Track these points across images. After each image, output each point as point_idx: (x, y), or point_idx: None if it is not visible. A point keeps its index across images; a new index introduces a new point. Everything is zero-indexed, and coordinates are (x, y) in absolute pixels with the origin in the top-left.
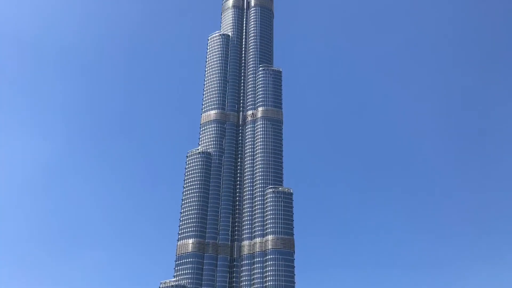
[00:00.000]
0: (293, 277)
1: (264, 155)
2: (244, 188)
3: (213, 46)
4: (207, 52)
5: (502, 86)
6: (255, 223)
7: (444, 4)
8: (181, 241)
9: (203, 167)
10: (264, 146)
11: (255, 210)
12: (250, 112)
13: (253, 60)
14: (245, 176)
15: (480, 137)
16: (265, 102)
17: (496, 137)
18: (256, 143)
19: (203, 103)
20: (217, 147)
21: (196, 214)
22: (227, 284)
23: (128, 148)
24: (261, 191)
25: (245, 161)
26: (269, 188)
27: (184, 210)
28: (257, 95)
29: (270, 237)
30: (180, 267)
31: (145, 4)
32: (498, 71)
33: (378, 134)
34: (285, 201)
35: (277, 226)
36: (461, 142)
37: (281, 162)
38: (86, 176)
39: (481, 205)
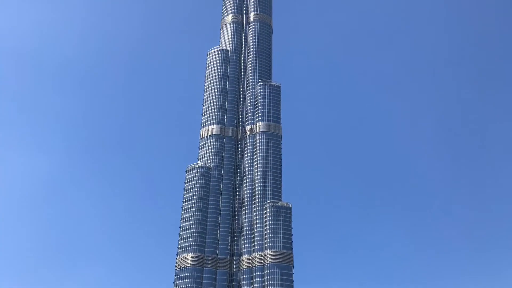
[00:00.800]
0: None
1: (263, 170)
2: (243, 202)
3: (212, 61)
4: (206, 67)
5: (499, 101)
6: (254, 237)
7: (441, 20)
8: (180, 255)
9: (202, 182)
10: (263, 160)
11: (254, 224)
12: (249, 127)
13: (252, 75)
14: (244, 190)
15: (478, 152)
16: (264, 117)
17: (494, 153)
18: (255, 157)
19: (203, 117)
20: (216, 161)
21: (196, 229)
22: None
23: (128, 162)
24: (260, 205)
25: (244, 176)
26: (268, 202)
27: (184, 224)
28: (256, 110)
29: (269, 251)
30: (180, 281)
31: (145, 19)
32: (495, 86)
33: (376, 149)
34: (284, 215)
35: (276, 240)
36: (459, 157)
37: (280, 177)
38: (86, 190)
39: (479, 220)
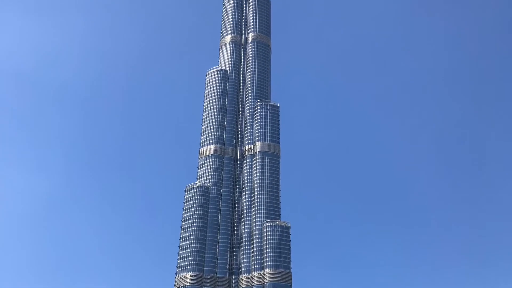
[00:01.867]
0: None
1: (261, 189)
2: (242, 221)
3: (211, 81)
4: (205, 87)
5: (497, 119)
6: (253, 256)
7: (439, 40)
8: (179, 275)
9: (201, 201)
10: (261, 180)
11: (252, 243)
12: (247, 147)
13: (251, 95)
14: (243, 210)
15: (475, 170)
16: (262, 137)
17: (492, 170)
18: (254, 177)
19: (201, 137)
20: (215, 181)
21: (195, 248)
22: None
23: (127, 182)
24: (259, 224)
25: (243, 195)
26: (267, 221)
27: (183, 243)
28: (255, 130)
29: (267, 270)
30: None
31: (144, 39)
32: (493, 106)
33: (374, 168)
34: (283, 234)
35: (274, 259)
36: (456, 175)
37: (279, 196)
38: (85, 210)
39: (477, 237)
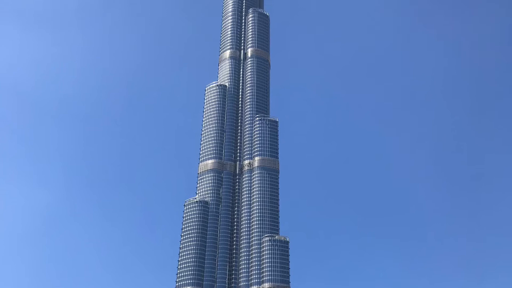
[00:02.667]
0: None
1: (260, 204)
2: (241, 236)
3: (210, 96)
4: (204, 102)
5: (495, 133)
6: (251, 271)
7: (438, 52)
8: None
9: (200, 216)
10: (260, 195)
11: (251, 258)
12: (247, 162)
13: (250, 110)
14: (242, 224)
15: (473, 183)
16: (261, 152)
17: (490, 184)
18: (253, 192)
19: (201, 152)
20: (214, 196)
21: (194, 262)
22: None
23: (127, 197)
24: (258, 239)
25: (242, 210)
26: (266, 236)
27: (182, 258)
28: (254, 145)
29: (266, 285)
30: None
31: (143, 54)
32: (491, 118)
33: (373, 182)
34: (282, 249)
35: (273, 274)
36: (455, 188)
37: (278, 211)
38: (85, 225)
39: (475, 251)
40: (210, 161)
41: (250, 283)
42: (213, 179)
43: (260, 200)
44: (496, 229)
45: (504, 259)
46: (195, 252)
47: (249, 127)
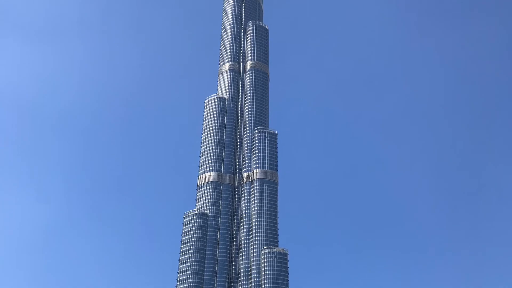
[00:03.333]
0: None
1: (259, 216)
2: (240, 248)
3: (209, 109)
4: (203, 115)
5: (495, 145)
6: (251, 283)
7: (437, 67)
8: None
9: (199, 228)
10: (259, 207)
11: (251, 270)
12: (246, 174)
13: (249, 123)
14: (241, 236)
15: (472, 197)
16: (260, 164)
17: (490, 196)
18: (252, 204)
19: (200, 165)
20: (213, 208)
21: (193, 274)
22: None
23: (126, 209)
24: (257, 251)
25: (241, 222)
26: (265, 248)
27: (181, 270)
28: (253, 157)
29: None
30: None
31: (143, 67)
32: (490, 132)
33: (372, 195)
34: (281, 261)
35: (272, 286)
36: (454, 202)
37: (277, 223)
38: (85, 238)
39: (475, 265)
40: (209, 174)
41: None
42: (213, 191)
43: (259, 212)
44: (496, 241)
45: (504, 271)
46: (194, 264)
47: (248, 139)
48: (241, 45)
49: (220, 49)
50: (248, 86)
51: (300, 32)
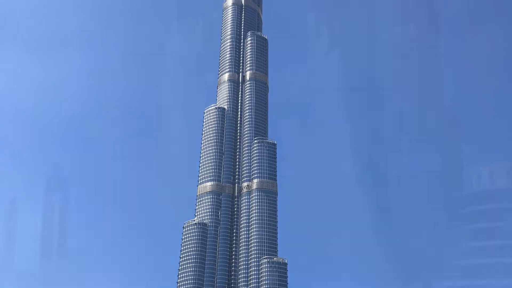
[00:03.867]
0: None
1: (259, 226)
2: (240, 258)
3: (209, 119)
4: (203, 125)
5: (495, 156)
6: None
7: (436, 78)
8: None
9: (199, 238)
10: (259, 217)
11: (250, 279)
12: (245, 184)
13: (248, 133)
14: (241, 246)
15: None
16: (260, 174)
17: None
18: (251, 214)
19: (199, 175)
20: (213, 218)
21: (193, 285)
22: None
23: (125, 219)
24: (256, 261)
25: (241, 232)
26: (264, 258)
27: (181, 280)
28: (252, 167)
29: None
30: None
31: (142, 78)
32: (490, 144)
33: (372, 205)
34: (280, 271)
35: None
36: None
37: (276, 233)
38: (83, 245)
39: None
40: (208, 183)
41: None
42: (212, 201)
43: (259, 222)
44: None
45: None
46: (193, 274)
47: (248, 149)
48: (240, 55)
49: (220, 59)
50: (248, 96)
51: (299, 42)
